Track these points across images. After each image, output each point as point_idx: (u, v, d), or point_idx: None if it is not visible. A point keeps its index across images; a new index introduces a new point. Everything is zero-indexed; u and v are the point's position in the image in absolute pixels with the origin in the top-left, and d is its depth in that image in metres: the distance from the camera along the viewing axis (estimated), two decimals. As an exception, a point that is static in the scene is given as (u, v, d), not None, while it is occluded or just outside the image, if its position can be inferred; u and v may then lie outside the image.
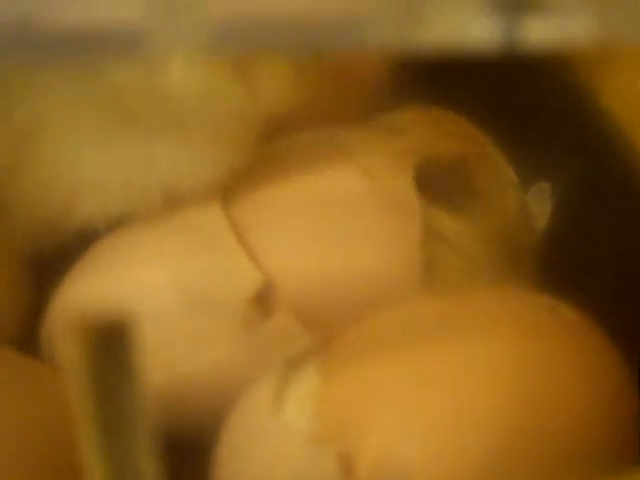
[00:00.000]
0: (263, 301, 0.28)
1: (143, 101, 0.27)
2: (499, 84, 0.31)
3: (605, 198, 0.32)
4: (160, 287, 0.28)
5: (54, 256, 0.30)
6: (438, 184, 0.29)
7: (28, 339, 0.29)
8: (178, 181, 0.28)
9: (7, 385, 0.26)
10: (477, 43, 0.13)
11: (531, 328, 0.25)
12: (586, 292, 0.27)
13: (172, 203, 0.28)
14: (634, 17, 0.13)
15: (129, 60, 0.19)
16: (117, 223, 0.29)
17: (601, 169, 0.31)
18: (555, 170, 0.32)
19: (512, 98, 0.32)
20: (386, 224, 0.28)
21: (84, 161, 0.28)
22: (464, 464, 0.23)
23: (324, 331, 0.26)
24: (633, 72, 0.29)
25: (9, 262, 0.30)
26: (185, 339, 0.28)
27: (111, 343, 0.15)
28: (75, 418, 0.16)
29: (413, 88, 0.33)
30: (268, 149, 0.29)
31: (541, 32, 0.13)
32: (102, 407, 0.16)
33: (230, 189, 0.29)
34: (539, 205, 0.32)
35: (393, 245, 0.28)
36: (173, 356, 0.28)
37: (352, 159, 0.29)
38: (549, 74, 0.31)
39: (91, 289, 0.28)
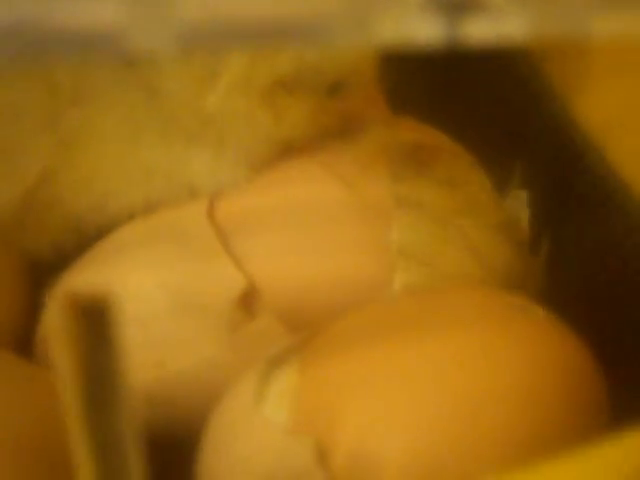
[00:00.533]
0: (246, 304, 0.28)
1: (183, 113, 0.29)
2: (472, 95, 0.32)
3: (577, 207, 0.32)
4: (148, 290, 0.29)
5: (53, 261, 0.30)
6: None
7: (26, 342, 0.30)
8: (206, 186, 0.30)
9: (3, 386, 0.26)
10: (423, 41, 0.14)
11: (500, 323, 0.25)
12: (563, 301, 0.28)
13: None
14: (564, 14, 0.14)
15: (109, 58, 0.21)
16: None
17: (574, 179, 0.32)
18: (529, 180, 0.32)
19: (485, 108, 0.33)
20: (363, 230, 0.29)
21: (119, 163, 0.30)
22: (436, 454, 0.23)
23: (303, 333, 0.27)
24: (609, 82, 0.30)
25: (8, 267, 0.30)
26: (173, 340, 0.28)
27: (95, 318, 0.16)
28: (61, 393, 0.17)
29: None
30: None
31: (480, 31, 0.14)
32: (86, 379, 0.17)
33: (215, 196, 0.30)
34: (517, 212, 0.32)
35: (370, 251, 0.29)
36: (162, 356, 0.28)
37: (330, 168, 0.30)
38: (522, 82, 0.32)
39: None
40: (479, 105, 0.33)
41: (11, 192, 0.29)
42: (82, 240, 0.30)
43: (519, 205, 0.32)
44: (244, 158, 0.30)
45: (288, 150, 0.30)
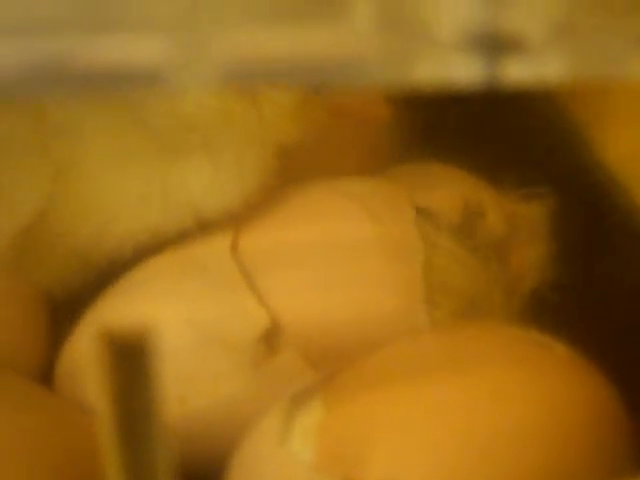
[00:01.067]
0: (270, 340, 0.28)
1: (168, 127, 0.28)
2: (497, 135, 0.32)
3: (605, 245, 0.32)
4: (172, 325, 0.28)
5: (60, 295, 0.31)
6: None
7: (46, 373, 0.30)
8: (207, 201, 0.29)
9: (22, 415, 0.27)
10: (462, 81, 0.14)
11: (526, 362, 0.25)
12: (584, 331, 0.28)
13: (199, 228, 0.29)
14: (602, 56, 0.14)
15: (151, 94, 0.21)
16: (146, 250, 0.30)
17: (601, 218, 0.32)
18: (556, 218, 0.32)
19: (511, 147, 0.33)
20: (388, 266, 0.29)
21: (116, 189, 0.29)
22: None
23: (328, 369, 0.27)
24: (633, 121, 0.30)
25: (29, 297, 0.30)
26: (195, 376, 0.28)
27: (132, 354, 0.16)
28: (99, 425, 0.17)
29: (418, 143, 0.34)
30: (277, 193, 0.30)
31: (519, 72, 0.14)
32: (122, 413, 0.17)
33: (239, 231, 0.30)
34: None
35: (394, 287, 0.29)
36: (184, 392, 0.28)
37: (358, 204, 0.30)
38: (548, 122, 0.32)
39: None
40: (505, 145, 0.33)
41: (10, 229, 0.29)
42: (89, 270, 0.30)
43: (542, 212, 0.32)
44: (237, 163, 0.29)
45: (280, 157, 0.30)
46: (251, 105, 0.27)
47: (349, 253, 0.29)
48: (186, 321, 0.29)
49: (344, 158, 0.33)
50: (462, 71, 0.14)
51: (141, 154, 0.29)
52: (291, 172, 0.30)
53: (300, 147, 0.29)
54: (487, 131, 0.32)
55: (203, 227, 0.30)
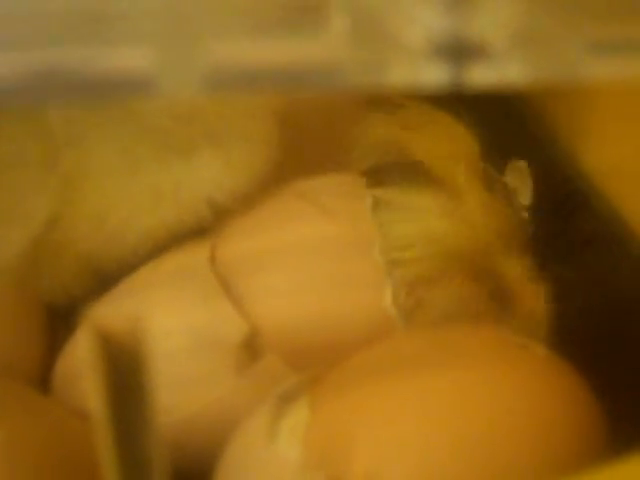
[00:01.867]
0: (251, 346, 0.29)
1: (169, 126, 0.29)
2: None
3: (581, 252, 0.32)
4: (155, 335, 0.29)
5: (71, 303, 0.31)
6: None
7: (45, 379, 0.30)
8: (220, 190, 0.30)
9: (22, 422, 0.27)
10: (429, 86, 0.15)
11: (503, 361, 0.26)
12: (563, 337, 0.29)
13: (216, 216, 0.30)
14: (563, 59, 0.15)
15: (141, 100, 0.22)
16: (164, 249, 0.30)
17: (578, 225, 0.32)
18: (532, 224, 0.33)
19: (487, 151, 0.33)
20: (357, 264, 0.29)
21: (125, 195, 0.30)
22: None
23: (311, 370, 0.27)
24: (612, 128, 0.30)
25: (29, 304, 0.31)
26: (179, 384, 0.29)
27: (126, 353, 0.17)
28: (94, 419, 0.17)
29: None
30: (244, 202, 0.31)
31: (483, 76, 0.16)
32: (115, 409, 0.17)
33: (216, 242, 0.30)
34: (519, 183, 0.31)
35: (363, 288, 0.29)
36: (169, 401, 0.28)
37: (310, 202, 0.30)
38: (525, 128, 0.33)
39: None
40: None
41: (21, 239, 0.30)
42: (102, 277, 0.31)
43: (520, 177, 0.32)
44: (245, 148, 0.29)
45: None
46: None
47: (316, 255, 0.30)
48: (167, 332, 0.29)
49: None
50: (429, 76, 0.15)
51: (146, 157, 0.29)
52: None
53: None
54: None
55: (219, 216, 0.30)
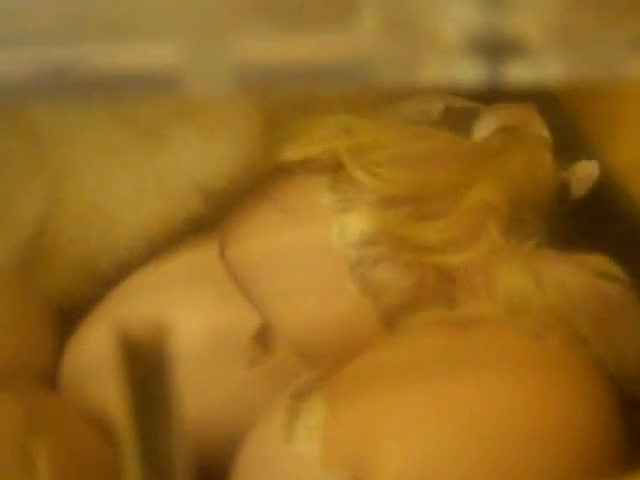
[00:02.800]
0: (264, 341, 0.29)
1: (150, 115, 0.28)
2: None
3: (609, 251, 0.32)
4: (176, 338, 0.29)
5: (78, 298, 0.31)
6: None
7: (53, 376, 0.30)
8: (206, 174, 0.29)
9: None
10: (465, 83, 0.15)
11: (525, 356, 0.26)
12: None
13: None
14: (600, 59, 0.15)
15: (165, 98, 0.21)
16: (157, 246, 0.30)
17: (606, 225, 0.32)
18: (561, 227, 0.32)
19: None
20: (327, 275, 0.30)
21: (117, 187, 0.29)
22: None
23: (325, 365, 0.27)
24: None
25: (35, 303, 0.31)
26: (193, 380, 0.28)
27: (148, 352, 0.17)
28: (115, 424, 0.17)
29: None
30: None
31: (520, 73, 0.15)
32: (138, 409, 0.17)
33: (225, 239, 0.30)
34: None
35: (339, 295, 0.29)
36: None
37: (274, 205, 0.30)
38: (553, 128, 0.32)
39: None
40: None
41: (14, 242, 0.29)
42: (97, 276, 0.30)
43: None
44: (227, 130, 0.29)
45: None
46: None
47: (307, 262, 0.30)
48: (182, 327, 0.28)
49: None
50: (466, 73, 0.15)
51: (126, 146, 0.29)
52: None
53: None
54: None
55: (208, 200, 0.30)
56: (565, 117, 0.31)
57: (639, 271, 0.29)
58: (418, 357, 0.27)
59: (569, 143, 0.30)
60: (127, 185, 0.29)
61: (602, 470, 0.25)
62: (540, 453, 0.24)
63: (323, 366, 0.27)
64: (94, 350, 0.29)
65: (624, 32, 0.16)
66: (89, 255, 0.30)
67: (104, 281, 0.30)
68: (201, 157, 0.29)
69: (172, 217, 0.30)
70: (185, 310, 0.29)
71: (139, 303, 0.30)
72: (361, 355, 0.27)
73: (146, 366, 0.17)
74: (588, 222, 0.31)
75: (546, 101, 0.30)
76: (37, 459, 0.24)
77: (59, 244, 0.30)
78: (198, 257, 0.30)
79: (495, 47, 0.15)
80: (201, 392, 0.29)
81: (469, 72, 0.15)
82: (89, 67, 0.15)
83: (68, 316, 0.31)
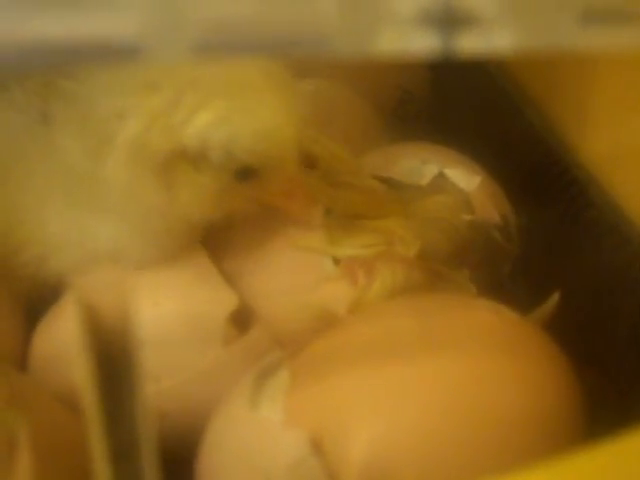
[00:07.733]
0: (239, 320, 0.30)
1: (87, 185, 0.29)
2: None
3: (579, 240, 0.33)
4: (144, 310, 0.30)
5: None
6: None
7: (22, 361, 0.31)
8: (119, 252, 0.30)
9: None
10: (419, 53, 0.15)
11: (480, 326, 0.27)
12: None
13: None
14: (552, 29, 0.15)
15: (126, 67, 0.22)
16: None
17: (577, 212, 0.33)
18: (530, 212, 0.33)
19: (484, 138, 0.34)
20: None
21: (41, 232, 0.30)
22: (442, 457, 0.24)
23: (293, 344, 0.28)
24: (610, 116, 0.30)
25: (8, 298, 0.32)
26: (168, 357, 0.29)
27: (114, 329, 0.17)
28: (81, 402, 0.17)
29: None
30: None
31: (472, 44, 0.15)
32: (103, 387, 0.17)
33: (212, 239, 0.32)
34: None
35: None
36: (158, 372, 0.29)
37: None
38: (520, 114, 0.33)
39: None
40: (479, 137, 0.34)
41: None
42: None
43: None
44: (144, 231, 0.30)
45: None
46: (164, 179, 0.28)
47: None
48: (158, 305, 0.30)
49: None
50: (420, 44, 0.15)
51: (55, 201, 0.30)
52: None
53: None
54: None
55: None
56: (535, 108, 0.32)
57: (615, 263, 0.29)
58: (383, 335, 0.27)
59: (541, 135, 0.31)
60: (50, 236, 0.30)
61: (569, 438, 0.26)
62: (506, 426, 0.25)
63: (292, 345, 0.28)
64: (62, 334, 0.30)
65: (575, 4, 0.16)
66: (29, 271, 0.31)
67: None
68: (119, 244, 0.30)
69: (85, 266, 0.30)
70: (164, 290, 0.30)
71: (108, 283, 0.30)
72: (327, 334, 0.28)
73: (111, 346, 0.17)
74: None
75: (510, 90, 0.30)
76: (18, 435, 0.25)
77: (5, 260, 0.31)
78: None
79: (448, 19, 0.15)
80: (178, 370, 0.29)
81: (423, 43, 0.15)
82: (48, 39, 0.15)
83: (35, 304, 0.32)
